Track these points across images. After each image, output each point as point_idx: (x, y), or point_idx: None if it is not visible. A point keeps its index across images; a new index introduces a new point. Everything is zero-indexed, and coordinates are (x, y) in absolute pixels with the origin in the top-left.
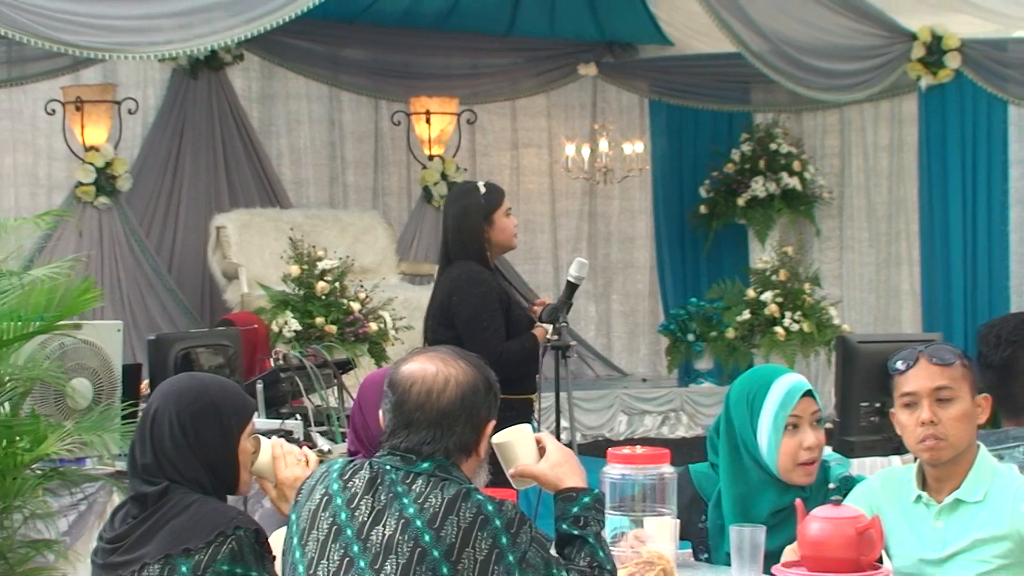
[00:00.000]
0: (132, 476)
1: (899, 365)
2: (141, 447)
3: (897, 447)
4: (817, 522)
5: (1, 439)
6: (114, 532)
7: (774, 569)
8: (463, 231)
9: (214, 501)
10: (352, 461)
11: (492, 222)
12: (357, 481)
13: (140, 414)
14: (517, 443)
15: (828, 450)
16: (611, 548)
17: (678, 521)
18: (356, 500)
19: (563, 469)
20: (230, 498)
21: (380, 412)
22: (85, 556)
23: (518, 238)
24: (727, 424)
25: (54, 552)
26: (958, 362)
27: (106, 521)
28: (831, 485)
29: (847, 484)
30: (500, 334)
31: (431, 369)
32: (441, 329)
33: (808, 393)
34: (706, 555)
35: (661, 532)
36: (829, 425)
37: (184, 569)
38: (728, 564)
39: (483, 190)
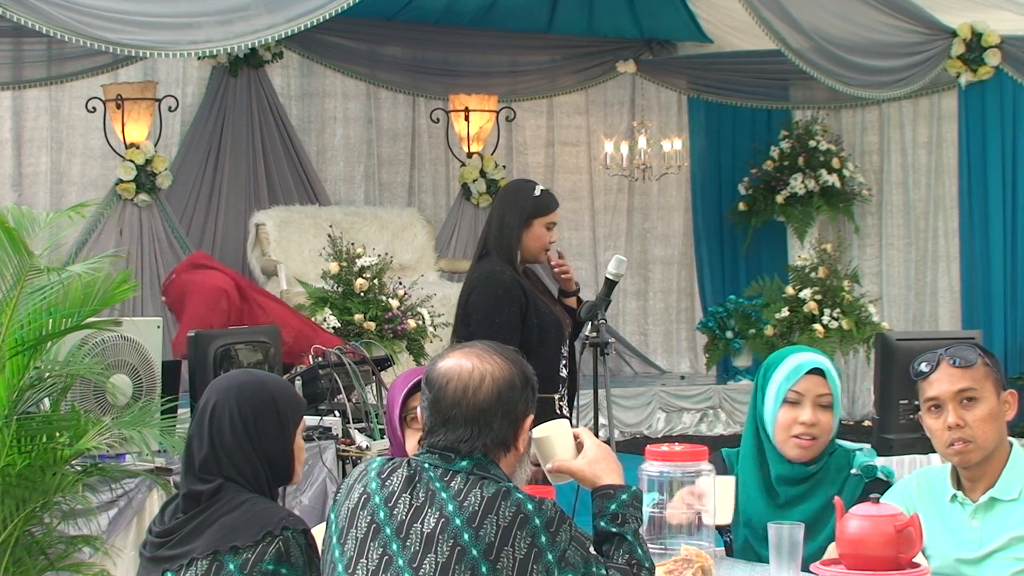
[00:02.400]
0: (187, 472)
1: (922, 368)
2: (199, 441)
3: None
4: (856, 520)
5: (41, 435)
6: (164, 526)
7: (812, 567)
8: (501, 225)
9: (266, 501)
10: (391, 459)
11: (530, 225)
12: (395, 479)
13: (196, 410)
14: (555, 438)
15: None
16: (666, 507)
17: (733, 478)
18: (394, 498)
19: (601, 466)
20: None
21: (419, 409)
22: (124, 552)
23: (549, 252)
24: (752, 398)
25: (93, 547)
26: (980, 361)
27: (156, 515)
28: (854, 470)
29: (869, 472)
30: (512, 335)
31: (467, 365)
32: (461, 327)
33: (819, 373)
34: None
35: (723, 490)
36: (868, 423)
37: (232, 567)
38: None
39: (537, 193)
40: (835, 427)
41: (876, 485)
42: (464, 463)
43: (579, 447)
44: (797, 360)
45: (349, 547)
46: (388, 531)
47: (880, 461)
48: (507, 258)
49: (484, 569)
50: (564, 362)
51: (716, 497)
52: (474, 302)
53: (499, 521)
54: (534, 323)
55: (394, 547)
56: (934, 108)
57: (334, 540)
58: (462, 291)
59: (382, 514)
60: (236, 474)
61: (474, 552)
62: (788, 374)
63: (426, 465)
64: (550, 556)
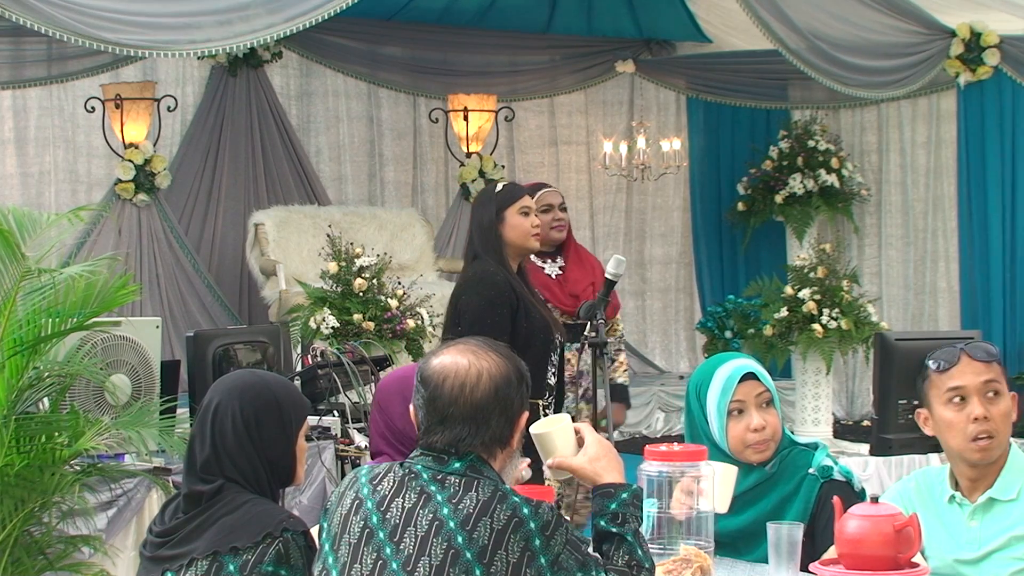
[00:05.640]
0: (188, 472)
1: (942, 360)
2: (201, 442)
3: (935, 445)
4: (855, 520)
5: (40, 435)
6: (164, 526)
7: (812, 567)
8: (479, 228)
9: (266, 502)
10: (381, 464)
11: (503, 219)
12: (386, 483)
13: (199, 410)
14: (556, 434)
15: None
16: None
17: (736, 468)
18: (387, 502)
19: (601, 463)
20: None
21: (412, 407)
22: (123, 551)
23: (539, 239)
24: (687, 415)
25: (92, 547)
26: (998, 359)
27: (156, 514)
28: (811, 470)
29: (826, 472)
30: (502, 337)
31: (463, 363)
32: (452, 327)
33: (752, 376)
34: None
35: (724, 479)
36: (867, 423)
37: (232, 568)
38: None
39: (499, 188)
40: (781, 420)
41: (833, 485)
42: (457, 464)
43: (580, 442)
44: (726, 371)
45: (343, 553)
46: (382, 535)
47: (847, 462)
48: (497, 260)
49: (478, 572)
50: (553, 369)
51: (716, 486)
52: (465, 302)
53: (493, 524)
54: (523, 327)
55: (388, 551)
56: (933, 108)
57: (327, 547)
58: (454, 291)
59: (375, 519)
60: (237, 475)
61: (468, 555)
62: (723, 388)
63: (419, 467)
64: (543, 560)
